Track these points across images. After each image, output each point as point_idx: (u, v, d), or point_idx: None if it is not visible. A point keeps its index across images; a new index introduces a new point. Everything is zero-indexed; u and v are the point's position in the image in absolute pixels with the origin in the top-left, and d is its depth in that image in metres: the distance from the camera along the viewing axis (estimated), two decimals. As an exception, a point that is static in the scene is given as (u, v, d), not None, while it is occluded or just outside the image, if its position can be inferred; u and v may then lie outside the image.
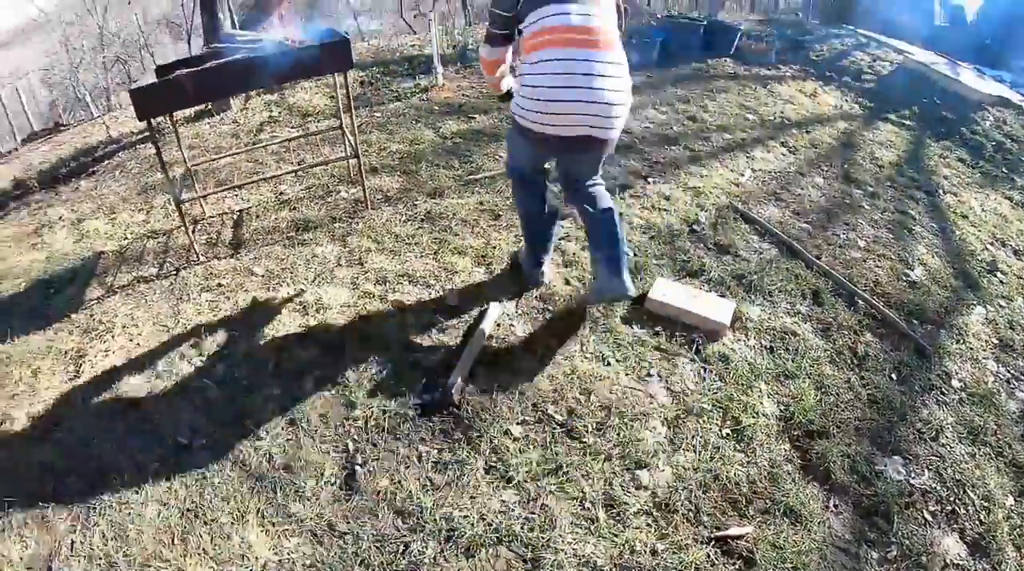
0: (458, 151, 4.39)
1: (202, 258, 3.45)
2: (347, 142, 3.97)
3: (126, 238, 3.85)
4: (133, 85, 3.11)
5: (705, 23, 6.91)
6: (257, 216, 3.84)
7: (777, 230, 3.58)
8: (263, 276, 3.26)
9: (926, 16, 12.18)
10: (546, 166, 2.84)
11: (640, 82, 5.79)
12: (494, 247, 3.36)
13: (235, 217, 3.87)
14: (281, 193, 4.10)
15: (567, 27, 2.29)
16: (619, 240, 2.55)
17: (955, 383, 2.78)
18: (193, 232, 3.54)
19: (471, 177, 4.09)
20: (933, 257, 3.69)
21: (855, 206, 4.09)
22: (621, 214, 3.13)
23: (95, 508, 2.16)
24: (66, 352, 2.91)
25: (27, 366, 2.85)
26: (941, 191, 4.51)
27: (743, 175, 4.28)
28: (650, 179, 4.10)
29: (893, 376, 2.75)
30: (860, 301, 3.14)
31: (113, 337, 2.95)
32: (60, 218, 4.35)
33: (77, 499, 2.21)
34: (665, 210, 3.73)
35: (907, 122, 5.75)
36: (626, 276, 2.53)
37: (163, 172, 3.20)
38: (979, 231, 4.06)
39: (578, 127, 2.33)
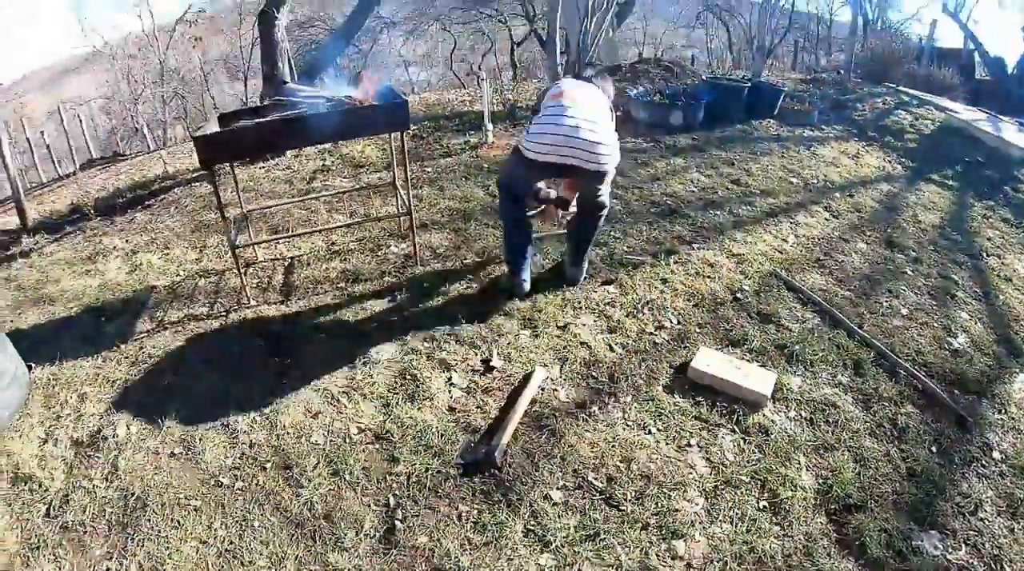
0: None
1: (252, 302, 3.56)
2: (399, 198, 4.09)
3: (179, 275, 3.98)
4: (197, 131, 3.24)
5: (749, 85, 6.99)
6: (308, 264, 3.95)
7: (820, 299, 3.57)
8: (312, 326, 3.34)
9: (967, 71, 12.16)
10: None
11: (685, 144, 5.88)
12: (540, 310, 3.40)
13: (287, 264, 3.99)
14: (332, 243, 4.21)
15: (564, 106, 3.14)
16: (586, 243, 3.55)
17: (996, 455, 2.73)
18: (245, 274, 3.66)
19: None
20: (976, 323, 3.64)
21: (898, 272, 4.07)
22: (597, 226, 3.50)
23: (133, 538, 2.23)
24: (113, 381, 3.00)
25: (74, 390, 2.96)
26: (984, 254, 4.48)
27: (787, 241, 4.29)
28: (695, 245, 4.13)
29: (933, 448, 2.70)
30: (902, 371, 3.10)
31: (161, 372, 3.04)
32: (115, 247, 4.51)
33: (115, 526, 2.28)
34: (709, 277, 3.75)
35: (949, 182, 5.74)
36: (578, 269, 3.60)
37: (221, 217, 3.34)
38: (1022, 295, 4.02)
39: (567, 158, 3.06)
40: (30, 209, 5.74)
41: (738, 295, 3.60)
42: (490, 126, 5.94)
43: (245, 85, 13.70)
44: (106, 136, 15.63)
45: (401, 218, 4.24)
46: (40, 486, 2.46)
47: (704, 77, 7.83)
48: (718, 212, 4.64)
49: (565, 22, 6.94)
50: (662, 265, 3.85)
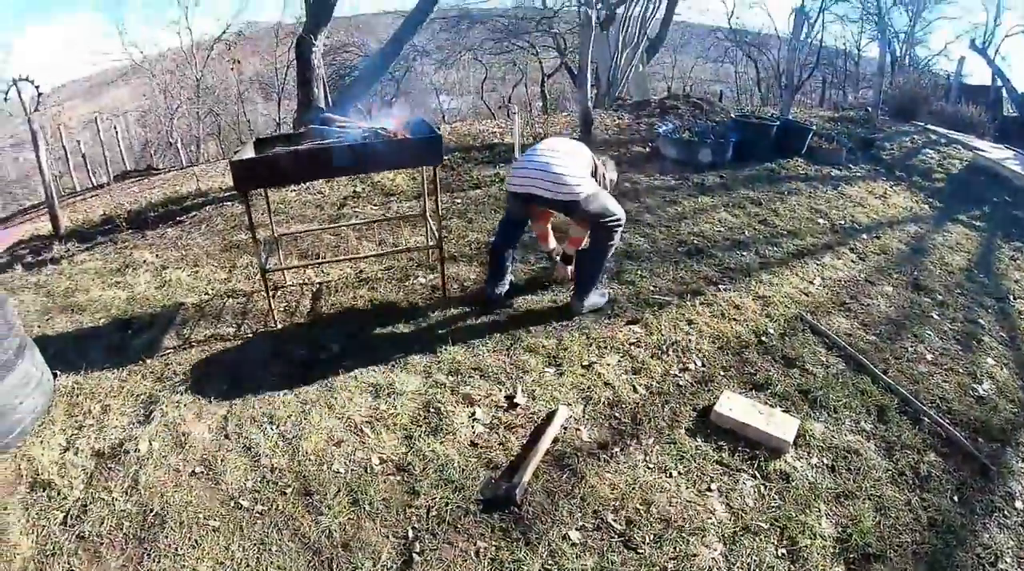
0: (534, 246, 4.50)
1: (280, 326, 3.61)
2: (429, 229, 4.14)
3: (207, 293, 4.05)
4: (234, 156, 3.32)
5: (778, 123, 7.02)
6: (336, 290, 4.00)
7: (845, 343, 3.55)
8: (337, 353, 3.38)
9: (994, 107, 12.09)
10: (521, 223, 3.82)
11: (713, 182, 5.90)
12: (565, 348, 3.41)
13: (315, 289, 4.05)
14: (360, 271, 4.27)
15: (536, 147, 3.62)
16: (587, 278, 3.67)
17: (1018, 504, 2.67)
18: (273, 297, 3.71)
19: (545, 275, 4.21)
20: (1002, 369, 3.60)
21: (924, 316, 4.03)
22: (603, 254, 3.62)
23: (150, 553, 2.25)
24: (138, 395, 3.05)
25: (98, 400, 3.01)
26: (1012, 297, 4.44)
27: (813, 283, 4.28)
28: (721, 286, 4.13)
29: (955, 498, 2.66)
30: (925, 419, 3.06)
31: (186, 389, 3.09)
32: (145, 261, 4.60)
33: (132, 540, 2.30)
34: (735, 319, 3.74)
35: (977, 222, 5.71)
36: (584, 301, 3.69)
37: (252, 240, 3.40)
38: (1049, 340, 3.94)
39: (533, 188, 3.42)
40: (63, 216, 5.86)
41: (763, 338, 3.59)
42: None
43: (278, 106, 13.95)
44: (140, 148, 16.01)
45: (430, 250, 4.29)
46: (58, 494, 2.50)
47: (733, 115, 7.86)
48: (745, 252, 4.65)
49: (596, 56, 7.03)
50: (688, 306, 3.85)
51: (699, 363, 3.34)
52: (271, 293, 3.63)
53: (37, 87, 5.68)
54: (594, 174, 3.67)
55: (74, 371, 3.22)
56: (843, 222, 5.34)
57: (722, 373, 3.28)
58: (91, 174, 13.92)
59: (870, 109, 10.07)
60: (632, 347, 3.45)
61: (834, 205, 5.68)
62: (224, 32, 14.93)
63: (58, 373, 3.19)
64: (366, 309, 3.80)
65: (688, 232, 4.94)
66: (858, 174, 6.65)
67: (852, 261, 4.68)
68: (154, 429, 2.82)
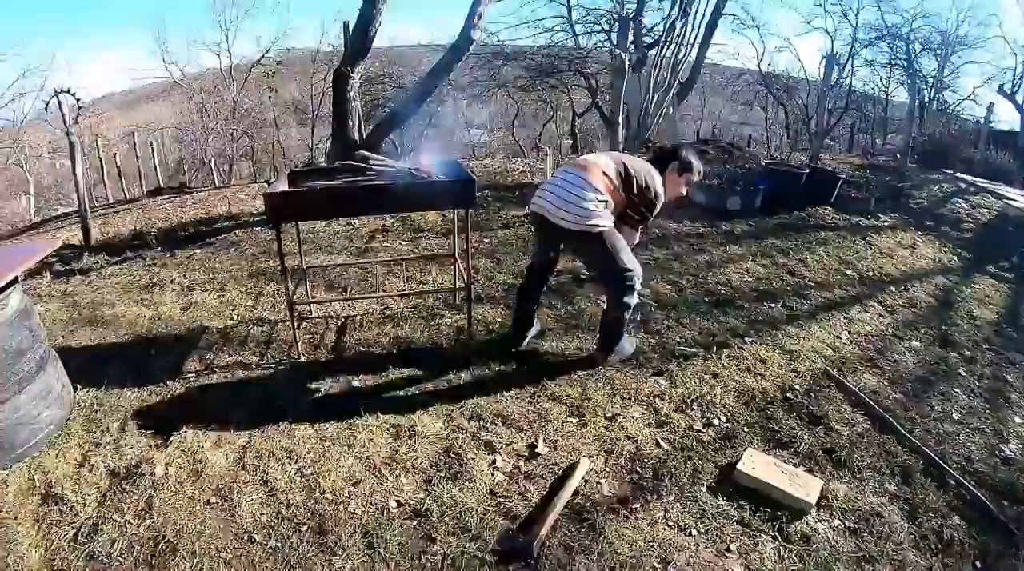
0: (562, 291, 4.48)
1: (303, 358, 3.63)
2: (457, 269, 4.16)
3: (232, 319, 4.10)
4: (269, 188, 3.39)
5: (807, 171, 7.00)
6: (361, 325, 4.03)
7: (871, 401, 3.48)
8: (360, 391, 3.39)
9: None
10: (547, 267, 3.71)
11: (742, 231, 5.89)
12: (589, 398, 3.38)
13: (339, 323, 4.08)
14: (386, 307, 4.30)
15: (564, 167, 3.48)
16: (606, 336, 3.61)
17: None
18: (298, 328, 3.74)
19: (572, 321, 4.18)
20: (1029, 428, 3.50)
21: (951, 373, 3.94)
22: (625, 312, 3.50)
23: None
24: (157, 416, 3.07)
25: (116, 418, 3.02)
26: (1040, 352, 4.32)
27: (840, 338, 4.22)
28: (747, 338, 4.09)
29: (977, 563, 2.56)
30: (951, 480, 2.98)
31: (205, 416, 3.09)
32: (172, 280, 4.66)
33: (142, 565, 2.29)
34: (760, 374, 3.70)
35: (1006, 274, 5.61)
36: (599, 351, 3.64)
37: (281, 272, 3.44)
38: (1079, 398, 3.83)
39: (538, 206, 3.31)
40: (94, 228, 6.00)
41: (788, 394, 3.54)
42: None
43: (312, 131, 14.20)
44: (175, 165, 16.35)
45: (458, 292, 4.31)
46: (71, 509, 2.50)
47: (763, 162, 7.86)
48: (772, 305, 4.60)
49: (628, 98, 7.11)
50: (714, 358, 3.81)
51: (723, 418, 3.30)
52: (296, 325, 3.66)
53: (78, 99, 5.83)
54: (628, 188, 3.32)
55: (94, 386, 3.25)
56: (871, 274, 5.29)
57: (746, 430, 3.23)
58: (124, 186, 14.25)
59: (899, 156, 10.02)
60: (656, 400, 3.42)
61: (862, 256, 5.64)
62: (263, 57, 15.26)
63: (78, 386, 3.20)
64: (390, 347, 3.81)
65: (716, 282, 4.93)
66: (887, 223, 6.60)
67: (880, 314, 4.61)
68: (171, 453, 2.83)
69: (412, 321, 4.10)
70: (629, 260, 3.34)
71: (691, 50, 11.65)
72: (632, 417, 3.26)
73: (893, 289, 5.05)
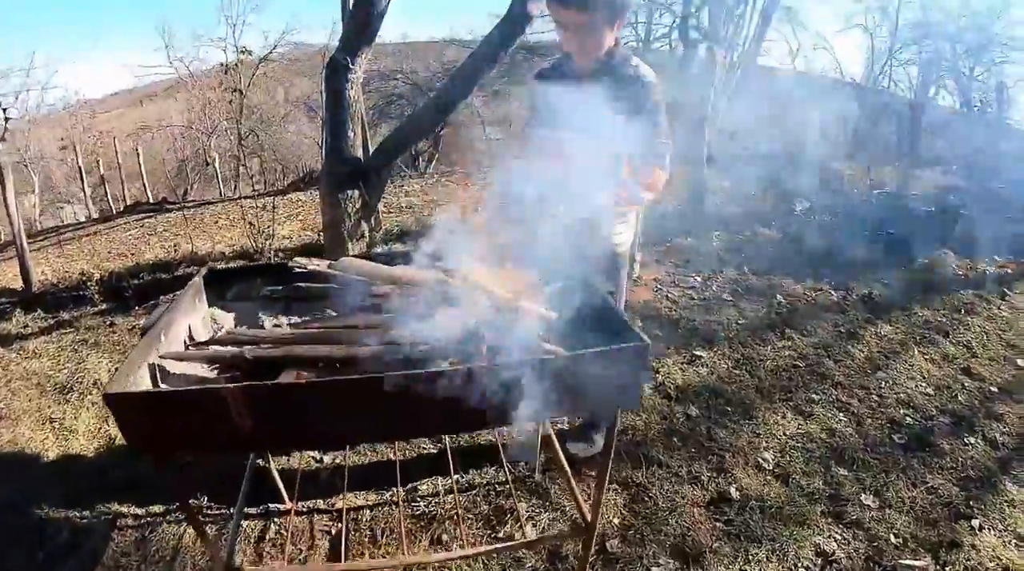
0: (695, 434, 2.84)
1: None
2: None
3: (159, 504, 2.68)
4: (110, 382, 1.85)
5: (934, 207, 5.43)
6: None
7: None
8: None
9: None
10: None
11: (881, 294, 4.47)
12: None
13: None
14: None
15: None
16: None
17: None
18: None
19: (725, 503, 2.45)
20: None
21: None
22: None
23: None
24: None
25: None
26: None
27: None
28: (972, 520, 2.39)
29: None
30: None
31: None
32: (96, 383, 3.37)
33: None
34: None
35: None
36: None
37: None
38: None
39: None
40: (44, 263, 5.36)
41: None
42: (638, 256, 4.38)
43: (322, 130, 13.11)
44: (177, 165, 15.43)
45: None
46: None
47: (873, 191, 6.26)
48: (970, 438, 2.89)
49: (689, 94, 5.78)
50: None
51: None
52: None
53: (4, 110, 4.83)
54: None
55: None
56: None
57: None
58: (124, 188, 13.29)
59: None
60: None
61: (1016, 329, 4.00)
62: (271, 52, 14.40)
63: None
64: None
65: (894, 399, 3.20)
66: (1010, 274, 4.93)
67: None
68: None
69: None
70: None
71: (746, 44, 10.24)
72: None
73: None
